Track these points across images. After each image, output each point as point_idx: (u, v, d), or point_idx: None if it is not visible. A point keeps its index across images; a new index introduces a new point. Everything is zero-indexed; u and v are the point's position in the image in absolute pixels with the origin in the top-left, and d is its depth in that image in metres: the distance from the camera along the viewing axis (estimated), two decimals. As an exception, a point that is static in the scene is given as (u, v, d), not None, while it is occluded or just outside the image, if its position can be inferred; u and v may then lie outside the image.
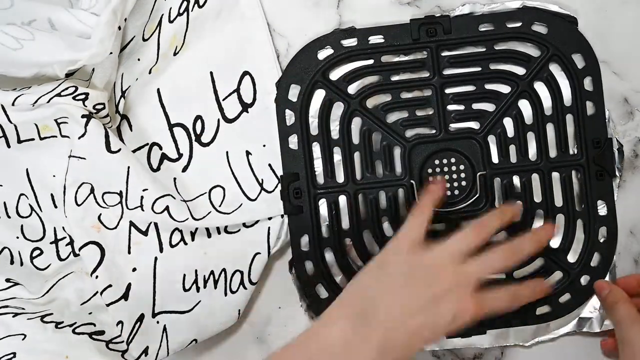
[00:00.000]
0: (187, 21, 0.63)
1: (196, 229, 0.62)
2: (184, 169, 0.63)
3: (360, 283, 0.53)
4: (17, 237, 0.64)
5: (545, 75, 0.61)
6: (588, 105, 0.61)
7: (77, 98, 0.58)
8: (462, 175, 0.61)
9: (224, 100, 0.63)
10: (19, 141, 0.62)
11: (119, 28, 0.59)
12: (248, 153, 0.63)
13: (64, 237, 0.64)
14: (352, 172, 0.62)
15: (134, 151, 0.63)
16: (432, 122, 0.62)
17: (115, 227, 0.61)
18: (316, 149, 0.62)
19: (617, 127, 0.62)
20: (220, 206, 0.62)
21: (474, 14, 0.61)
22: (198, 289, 0.61)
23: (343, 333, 0.49)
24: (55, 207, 0.63)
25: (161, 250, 0.61)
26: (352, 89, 0.62)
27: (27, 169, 0.63)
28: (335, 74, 0.62)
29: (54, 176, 0.63)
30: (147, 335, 0.61)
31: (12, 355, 0.60)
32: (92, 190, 0.60)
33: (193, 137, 0.63)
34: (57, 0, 0.61)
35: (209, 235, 0.62)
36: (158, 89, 0.63)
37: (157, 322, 0.61)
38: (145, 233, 0.61)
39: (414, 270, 0.52)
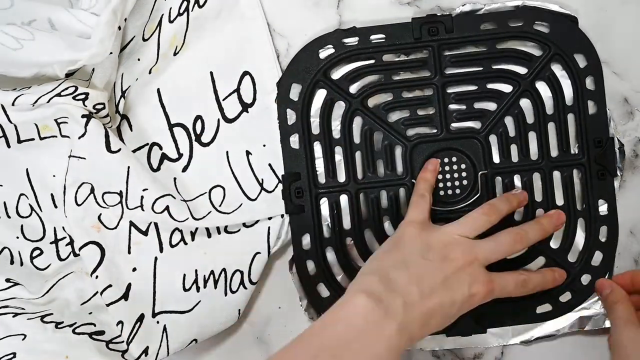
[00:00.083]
0: (187, 21, 0.62)
1: (196, 229, 0.62)
2: (184, 169, 0.63)
3: (378, 261, 0.55)
4: (17, 237, 0.64)
5: (546, 74, 0.61)
6: (589, 104, 0.61)
7: (77, 98, 0.58)
8: (464, 174, 0.62)
9: (224, 100, 0.63)
10: (19, 141, 0.62)
11: (119, 28, 0.59)
12: (248, 153, 0.62)
13: (64, 237, 0.64)
14: (353, 171, 0.62)
15: (134, 151, 0.63)
16: (433, 122, 0.62)
17: (115, 227, 0.61)
18: (317, 148, 0.62)
19: (617, 126, 0.62)
20: (220, 206, 0.62)
21: (476, 13, 0.61)
22: (198, 289, 0.61)
23: (364, 309, 0.50)
24: (55, 207, 0.63)
25: (161, 250, 0.61)
26: (354, 88, 0.62)
27: (27, 169, 0.63)
28: (336, 73, 0.62)
29: (54, 176, 0.63)
30: (147, 335, 0.60)
31: (12, 356, 0.59)
32: (92, 190, 0.60)
33: (193, 137, 0.63)
34: (57, 0, 0.61)
35: (209, 235, 0.62)
36: (158, 89, 0.63)
37: (157, 322, 0.61)
38: (145, 233, 0.61)
39: (429, 247, 0.54)
